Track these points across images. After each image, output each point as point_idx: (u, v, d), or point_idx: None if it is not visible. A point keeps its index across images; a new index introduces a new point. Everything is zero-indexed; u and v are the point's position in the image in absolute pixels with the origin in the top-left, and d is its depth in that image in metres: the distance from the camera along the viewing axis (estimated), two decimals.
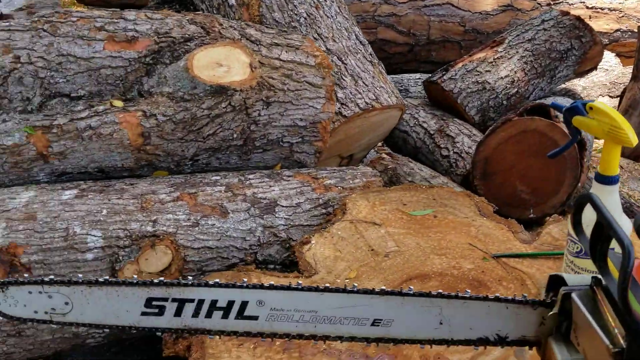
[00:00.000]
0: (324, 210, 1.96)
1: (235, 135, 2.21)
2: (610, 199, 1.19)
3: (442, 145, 2.72)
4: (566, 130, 2.06)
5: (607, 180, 1.21)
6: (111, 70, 2.07)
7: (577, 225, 0.99)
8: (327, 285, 1.07)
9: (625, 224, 1.15)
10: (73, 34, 2.06)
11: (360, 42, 3.06)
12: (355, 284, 1.07)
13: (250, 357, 1.23)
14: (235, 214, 1.88)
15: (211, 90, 2.11)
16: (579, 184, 2.15)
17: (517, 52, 2.94)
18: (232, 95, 2.13)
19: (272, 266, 1.84)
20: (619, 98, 3.56)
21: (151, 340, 2.31)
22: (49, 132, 1.95)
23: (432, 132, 2.83)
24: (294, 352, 1.24)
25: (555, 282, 1.03)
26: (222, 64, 2.24)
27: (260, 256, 1.86)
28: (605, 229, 0.88)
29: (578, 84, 3.56)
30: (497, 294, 1.05)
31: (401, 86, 3.72)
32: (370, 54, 3.05)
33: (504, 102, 2.90)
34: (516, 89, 2.91)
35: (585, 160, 2.10)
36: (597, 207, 0.90)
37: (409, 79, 3.75)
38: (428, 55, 4.25)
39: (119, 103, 2.06)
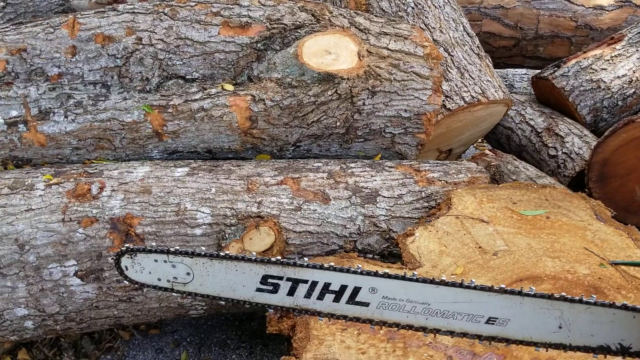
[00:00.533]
0: (426, 204, 1.93)
1: (338, 124, 2.22)
2: None
3: (550, 145, 2.60)
4: None
5: None
6: (224, 55, 2.13)
7: None
8: (443, 278, 1.05)
9: None
10: (191, 18, 2.14)
11: (468, 34, 2.98)
12: (473, 280, 1.04)
13: (354, 342, 1.24)
14: (337, 201, 1.90)
15: (319, 78, 2.13)
16: None
17: (638, 50, 2.75)
18: (339, 84, 2.14)
19: (370, 256, 1.84)
20: None
21: (244, 318, 2.39)
22: (164, 111, 2.04)
23: (539, 130, 2.71)
24: (398, 342, 1.23)
25: None
26: (331, 51, 2.25)
27: (360, 245, 1.86)
28: None
29: None
30: (625, 302, 0.99)
31: (505, 81, 3.60)
32: (478, 47, 2.96)
33: (619, 102, 2.72)
34: (634, 90, 2.71)
35: None
36: None
37: (514, 74, 3.61)
38: (535, 51, 4.07)
39: (229, 87, 2.13)
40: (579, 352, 1.04)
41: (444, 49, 2.75)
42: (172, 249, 1.08)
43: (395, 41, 2.31)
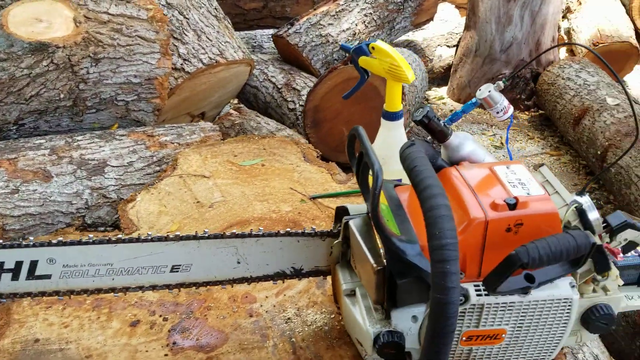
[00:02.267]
0: (158, 168, 1.92)
1: (62, 96, 2.09)
2: (396, 133, 1.27)
3: (289, 99, 2.76)
4: None
5: (391, 116, 1.29)
6: None
7: (350, 155, 1.05)
8: (120, 236, 1.06)
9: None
10: None
11: None
12: (150, 233, 1.07)
13: (57, 318, 1.20)
14: (60, 177, 1.80)
15: (30, 48, 1.97)
16: None
17: (358, 4, 3.02)
18: (54, 53, 2.00)
19: (102, 228, 1.79)
20: (455, 47, 3.78)
21: None
22: None
23: (279, 86, 2.85)
24: (104, 309, 1.22)
25: (342, 212, 1.09)
26: (43, 19, 2.09)
27: (89, 219, 1.80)
28: (364, 157, 0.94)
29: (420, 36, 3.74)
30: (288, 229, 1.10)
31: (255, 42, 3.70)
32: (216, 9, 2.98)
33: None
34: (358, 41, 2.99)
35: (404, 103, 2.20)
36: (359, 137, 0.97)
37: (262, 35, 3.73)
38: (283, 11, 4.24)
39: None
40: (260, 282, 1.14)
41: (178, 12, 2.72)
42: None
43: (116, 5, 2.22)
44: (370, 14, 3.04)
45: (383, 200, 1.02)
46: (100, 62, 2.12)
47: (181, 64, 2.59)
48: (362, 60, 1.28)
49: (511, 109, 1.09)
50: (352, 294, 1.05)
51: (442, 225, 0.80)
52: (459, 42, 3.72)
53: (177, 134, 2.09)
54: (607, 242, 1.04)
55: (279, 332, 1.14)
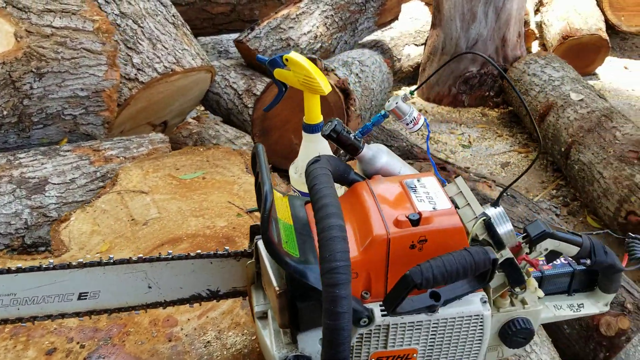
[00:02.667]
0: (101, 184, 1.88)
1: (5, 113, 2.04)
2: (317, 145, 1.23)
3: (249, 105, 2.71)
4: (331, 82, 2.12)
5: (311, 129, 1.25)
6: None
7: (254, 172, 1.01)
8: (19, 266, 1.01)
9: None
10: None
11: (162, 3, 2.93)
12: (52, 261, 1.03)
13: None
14: None
15: None
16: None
17: (318, 6, 2.98)
18: None
19: (42, 248, 1.75)
20: (423, 46, 3.74)
21: None
22: None
23: (240, 92, 2.81)
24: (21, 337, 1.18)
25: (256, 231, 1.05)
26: None
27: (29, 239, 1.75)
28: (258, 176, 0.90)
29: (387, 35, 3.70)
30: (199, 251, 1.06)
31: (221, 47, 3.66)
32: (173, 16, 2.94)
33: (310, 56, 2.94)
34: (320, 44, 2.95)
35: (352, 108, 2.17)
36: (257, 156, 0.93)
37: (229, 39, 3.69)
38: (252, 14, 4.20)
39: None
40: (176, 305, 1.10)
41: (132, 20, 2.67)
42: None
43: (60, 18, 2.17)
44: (332, 15, 3.00)
45: (288, 219, 0.98)
46: (44, 76, 2.08)
47: (135, 74, 2.54)
48: (277, 73, 1.24)
49: (422, 119, 1.05)
50: (264, 316, 1.01)
51: (332, 247, 0.76)
52: (427, 40, 3.69)
53: (124, 147, 2.05)
54: (526, 253, 1.01)
55: (197, 356, 1.10)
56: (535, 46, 4.44)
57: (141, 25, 2.69)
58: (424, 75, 3.64)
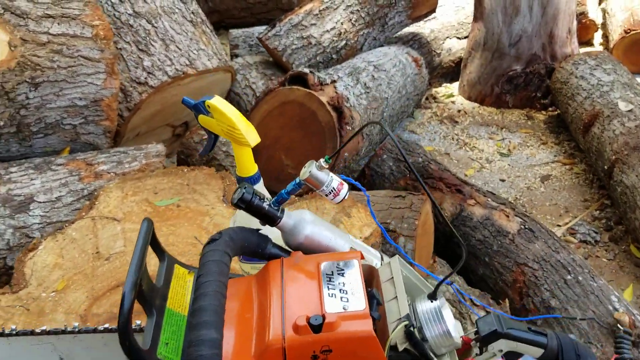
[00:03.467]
0: (87, 202, 1.81)
1: (2, 123, 2.02)
2: None
3: None
4: (324, 99, 1.94)
5: (246, 181, 1.11)
6: None
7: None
8: None
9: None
10: None
11: (181, 0, 2.84)
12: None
13: None
14: None
15: None
16: (346, 154, 2.00)
17: (343, 1, 2.78)
18: None
19: None
20: (467, 39, 3.46)
21: None
22: None
23: (258, 94, 2.68)
24: None
25: None
26: None
27: (11, 261, 1.71)
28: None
29: (427, 27, 3.44)
30: (107, 325, 0.95)
31: (252, 40, 3.52)
32: (193, 13, 2.83)
33: (334, 56, 2.76)
34: (344, 42, 2.76)
35: (348, 127, 1.97)
36: (138, 235, 0.80)
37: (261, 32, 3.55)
38: (290, 3, 4.05)
39: None
40: None
41: (146, 20, 2.60)
42: None
43: (59, 24, 2.11)
44: (358, 10, 2.80)
45: (183, 308, 0.85)
46: (40, 86, 2.03)
47: (145, 78, 2.47)
48: (202, 120, 1.11)
49: (345, 188, 0.88)
50: None
51: None
52: (469, 34, 3.40)
53: (118, 161, 1.98)
54: (475, 354, 0.84)
55: None
56: (597, 38, 4.03)
57: (155, 25, 2.60)
58: (465, 72, 3.37)
